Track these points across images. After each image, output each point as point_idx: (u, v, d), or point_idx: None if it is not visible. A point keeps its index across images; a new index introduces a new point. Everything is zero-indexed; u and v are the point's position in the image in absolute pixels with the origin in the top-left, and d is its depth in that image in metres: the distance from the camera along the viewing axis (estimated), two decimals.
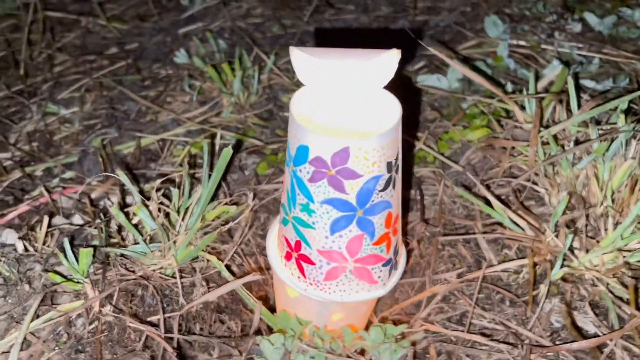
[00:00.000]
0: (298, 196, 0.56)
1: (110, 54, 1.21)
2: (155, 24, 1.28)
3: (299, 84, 0.59)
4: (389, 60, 0.53)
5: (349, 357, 0.60)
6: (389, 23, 1.16)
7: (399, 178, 0.58)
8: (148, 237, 0.72)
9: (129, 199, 0.84)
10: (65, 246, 0.66)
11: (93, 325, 0.63)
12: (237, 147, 0.91)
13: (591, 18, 1.06)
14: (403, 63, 1.04)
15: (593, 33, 1.04)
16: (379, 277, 0.61)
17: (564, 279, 0.65)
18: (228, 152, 0.65)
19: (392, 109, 0.55)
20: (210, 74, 1.01)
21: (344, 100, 0.56)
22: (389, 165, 0.54)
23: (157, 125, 0.99)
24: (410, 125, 0.92)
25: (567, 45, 1.00)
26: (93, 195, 0.85)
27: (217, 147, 0.91)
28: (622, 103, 0.72)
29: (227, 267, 0.74)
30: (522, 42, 1.03)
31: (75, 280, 0.66)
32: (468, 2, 1.19)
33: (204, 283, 0.69)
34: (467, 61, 1.00)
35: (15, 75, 1.18)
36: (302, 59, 0.53)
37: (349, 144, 0.51)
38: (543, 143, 0.74)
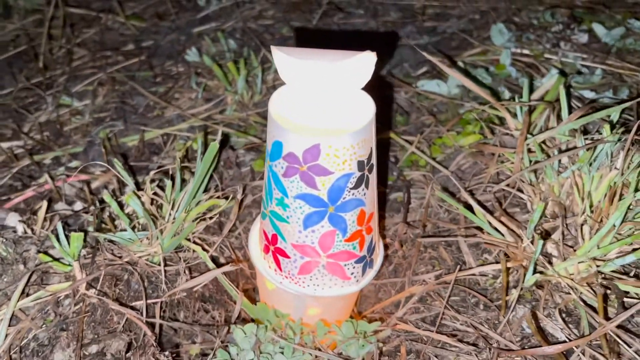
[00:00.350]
0: (274, 190, 0.58)
1: (126, 50, 1.25)
2: (172, 22, 1.32)
3: None
4: (363, 61, 0.54)
5: (318, 349, 0.62)
6: (397, 28, 1.17)
7: (373, 177, 0.59)
8: (139, 226, 0.75)
9: (128, 189, 0.87)
10: (59, 230, 0.69)
11: (78, 306, 0.66)
12: (224, 142, 0.93)
13: (599, 29, 1.05)
14: (405, 68, 1.05)
15: (599, 44, 1.04)
16: (352, 273, 0.62)
17: (539, 285, 0.65)
18: (214, 146, 0.68)
19: (367, 109, 0.57)
20: (216, 73, 1.04)
21: (320, 99, 0.57)
22: (361, 164, 0.56)
23: (163, 120, 1.02)
24: (407, 129, 0.93)
25: (571, 56, 1.00)
26: (94, 184, 0.88)
27: (217, 141, 0.94)
28: (612, 113, 0.72)
29: (215, 259, 0.77)
30: (526, 51, 1.03)
31: (66, 263, 0.69)
32: (477, 9, 1.19)
33: (187, 272, 0.71)
34: (468, 68, 1.00)
35: (36, 68, 1.23)
36: (282, 58, 0.55)
37: (320, 141, 0.53)
38: (530, 151, 0.75)
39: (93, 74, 1.17)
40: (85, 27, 1.33)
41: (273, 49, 0.55)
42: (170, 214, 0.73)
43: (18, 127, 1.05)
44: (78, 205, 0.86)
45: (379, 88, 1.02)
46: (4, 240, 0.73)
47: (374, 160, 0.58)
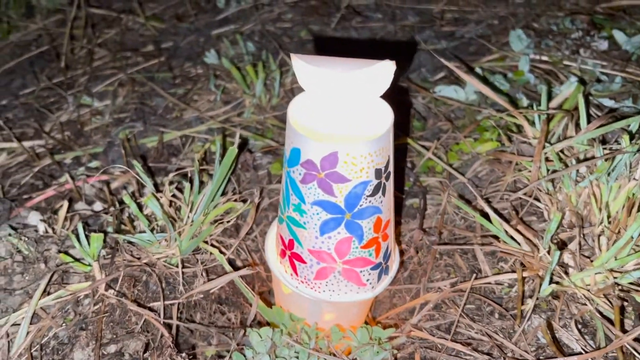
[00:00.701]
0: (291, 196, 0.59)
1: (145, 51, 1.26)
2: (191, 24, 1.33)
3: None
4: (382, 70, 0.54)
5: (333, 354, 0.62)
6: (415, 33, 1.17)
7: (390, 185, 0.59)
8: (157, 227, 0.76)
9: (147, 190, 0.89)
10: (79, 230, 0.70)
11: (98, 306, 0.67)
12: (242, 145, 0.94)
13: (619, 36, 1.04)
14: (423, 73, 1.05)
15: (619, 51, 1.03)
16: (368, 280, 0.63)
17: (556, 296, 0.65)
18: (233, 151, 0.68)
19: (385, 118, 0.57)
20: (235, 76, 1.05)
21: (339, 107, 0.58)
22: (378, 172, 0.56)
23: (182, 121, 1.03)
24: (424, 134, 0.93)
25: (590, 63, 1.00)
26: (113, 185, 0.90)
27: (235, 145, 0.95)
28: (632, 123, 0.72)
29: (232, 261, 0.78)
30: (544, 58, 1.02)
31: (86, 263, 0.70)
32: (496, 15, 1.19)
33: (204, 274, 0.72)
34: (486, 74, 1.00)
35: (57, 67, 1.25)
36: (301, 66, 0.56)
37: (337, 148, 0.54)
38: (548, 159, 0.74)
39: (113, 74, 1.19)
40: (106, 28, 1.35)
41: (293, 56, 0.56)
42: (188, 217, 0.74)
43: (40, 127, 1.06)
44: (97, 205, 0.88)
45: (396, 93, 1.02)
46: (26, 239, 0.75)
47: (391, 168, 0.59)
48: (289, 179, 0.58)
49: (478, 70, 1.02)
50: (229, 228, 0.81)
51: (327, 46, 1.15)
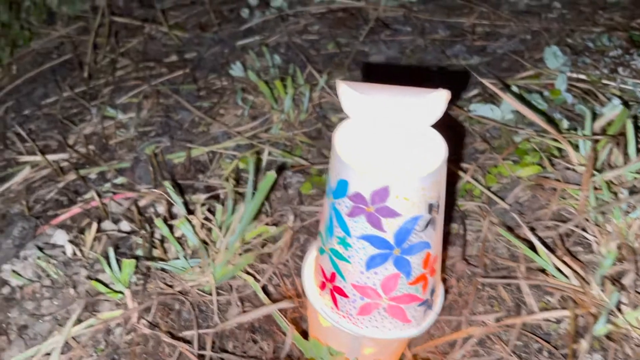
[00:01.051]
0: (335, 229, 0.56)
1: (169, 61, 1.24)
2: (215, 34, 1.31)
3: None
4: (436, 100, 0.52)
5: None
6: (445, 47, 1.15)
7: (440, 219, 0.57)
8: (189, 252, 0.73)
9: (176, 209, 0.86)
10: (110, 255, 0.68)
11: (130, 336, 0.65)
12: (282, 166, 0.92)
13: None
14: (458, 91, 1.02)
15: None
16: (413, 316, 0.60)
17: (607, 335, 0.62)
18: (272, 176, 0.66)
19: (438, 150, 0.54)
20: (262, 90, 1.03)
21: (388, 137, 0.55)
22: (430, 207, 0.54)
23: (208, 136, 1.01)
24: (459, 155, 0.90)
25: (630, 82, 0.96)
26: (141, 203, 0.87)
27: (263, 163, 0.92)
28: None
29: (264, 287, 0.75)
30: (582, 76, 0.99)
31: (117, 290, 0.68)
32: (529, 29, 1.16)
33: (239, 303, 0.69)
34: (522, 93, 0.97)
35: (80, 77, 1.23)
36: (348, 93, 0.53)
37: (389, 183, 0.51)
38: (595, 188, 0.72)
39: (137, 85, 1.17)
40: (129, 37, 1.33)
41: (339, 83, 0.53)
42: (222, 241, 0.72)
43: (63, 139, 1.04)
44: (124, 224, 0.85)
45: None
46: (55, 262, 0.72)
47: (442, 202, 0.56)
48: (333, 211, 0.56)
49: (514, 88, 0.99)
50: (262, 251, 0.78)
51: (356, 58, 1.12)
